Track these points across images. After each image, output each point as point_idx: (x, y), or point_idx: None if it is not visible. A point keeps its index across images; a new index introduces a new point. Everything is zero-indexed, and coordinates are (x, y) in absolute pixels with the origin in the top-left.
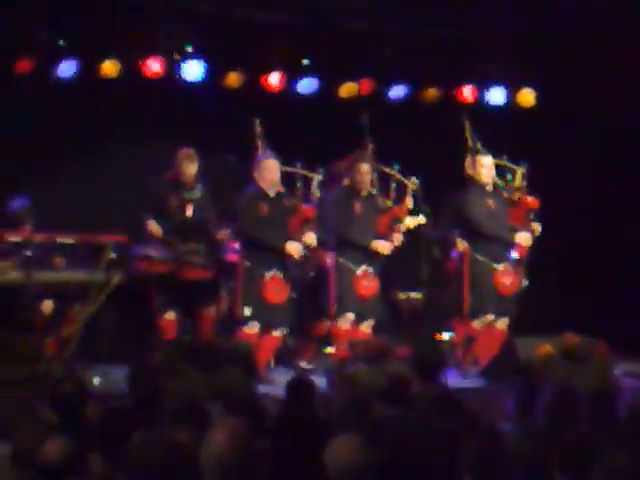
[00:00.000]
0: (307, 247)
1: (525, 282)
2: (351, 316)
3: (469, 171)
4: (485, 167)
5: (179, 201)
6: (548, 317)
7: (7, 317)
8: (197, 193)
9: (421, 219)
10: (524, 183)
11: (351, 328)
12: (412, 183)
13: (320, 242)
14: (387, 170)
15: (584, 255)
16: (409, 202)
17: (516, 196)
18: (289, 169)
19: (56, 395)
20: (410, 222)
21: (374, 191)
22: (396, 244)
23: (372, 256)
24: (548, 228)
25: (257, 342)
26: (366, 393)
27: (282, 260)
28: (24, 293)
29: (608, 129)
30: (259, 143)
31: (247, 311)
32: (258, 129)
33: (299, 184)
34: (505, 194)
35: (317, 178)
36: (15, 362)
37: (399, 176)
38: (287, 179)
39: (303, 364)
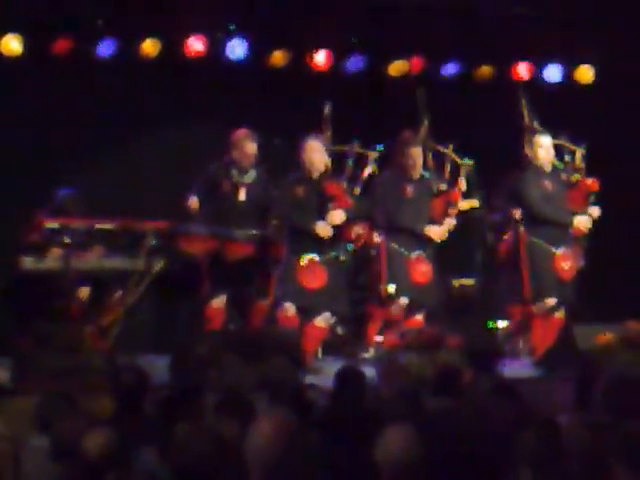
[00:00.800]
0: (335, 226)
1: (582, 262)
2: (405, 301)
3: (526, 152)
4: (543, 147)
5: (231, 185)
6: (609, 305)
7: (46, 305)
8: (251, 176)
9: (475, 202)
10: (583, 164)
11: (404, 315)
12: (466, 164)
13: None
14: (441, 149)
15: None
16: (462, 183)
17: (575, 178)
18: (345, 148)
19: (118, 385)
20: (463, 205)
21: (427, 174)
22: (449, 229)
23: (425, 241)
24: (608, 211)
25: (301, 330)
26: (417, 384)
27: (319, 243)
28: (62, 281)
29: None
30: (326, 126)
31: (279, 292)
32: (326, 112)
33: (350, 163)
34: (564, 176)
35: (373, 155)
36: (54, 352)
37: (453, 156)
38: (341, 159)
39: (363, 353)
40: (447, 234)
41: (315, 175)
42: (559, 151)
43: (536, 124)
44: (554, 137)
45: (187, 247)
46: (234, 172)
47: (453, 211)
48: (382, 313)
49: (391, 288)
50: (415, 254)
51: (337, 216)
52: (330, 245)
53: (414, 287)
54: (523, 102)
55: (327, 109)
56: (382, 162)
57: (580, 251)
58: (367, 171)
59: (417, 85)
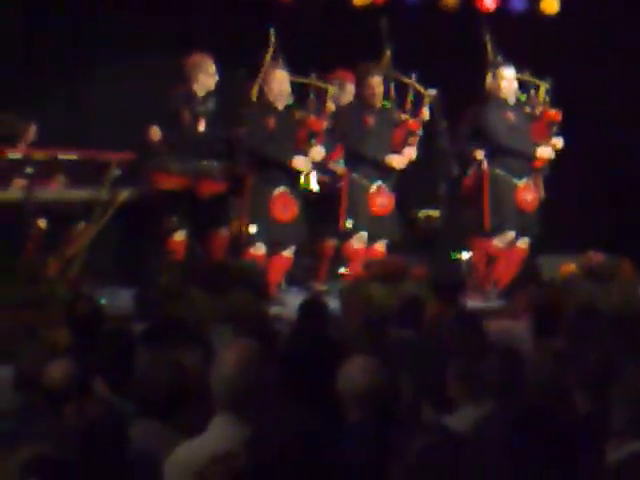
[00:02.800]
0: (314, 162)
1: (543, 194)
2: (364, 235)
3: (489, 84)
4: (506, 80)
5: (191, 115)
6: (572, 235)
7: (6, 237)
8: (210, 106)
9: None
10: (548, 98)
11: (365, 247)
12: (430, 94)
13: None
14: (404, 79)
15: (608, 171)
16: (426, 113)
17: (539, 111)
18: (302, 80)
19: (72, 315)
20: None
21: (388, 104)
22: (410, 158)
23: (386, 171)
24: (571, 142)
25: (267, 262)
26: (380, 314)
27: (290, 176)
28: (24, 212)
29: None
30: (271, 53)
31: (253, 229)
32: (272, 38)
33: (312, 96)
34: (527, 109)
35: (332, 90)
36: (16, 283)
37: (417, 86)
38: (300, 91)
39: (317, 285)
40: (410, 164)
41: (281, 106)
42: (523, 85)
43: (500, 57)
44: (519, 71)
45: (161, 183)
46: (193, 102)
47: (414, 140)
48: (342, 246)
49: (349, 223)
50: (376, 185)
51: (318, 152)
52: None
53: (373, 219)
54: (487, 35)
55: (271, 35)
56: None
57: (541, 183)
58: (330, 106)
59: (381, 13)
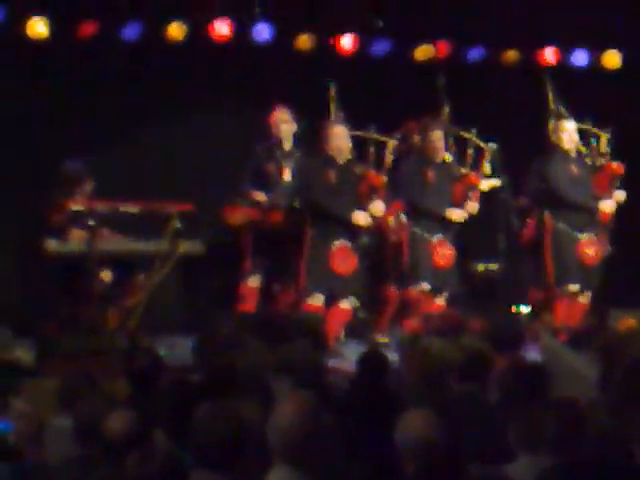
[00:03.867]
0: (374, 217)
1: (609, 248)
2: (426, 286)
3: (551, 136)
4: (567, 132)
5: (276, 166)
6: (634, 290)
7: (70, 288)
8: (294, 157)
9: (496, 182)
10: (609, 149)
11: (426, 299)
12: (490, 148)
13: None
14: (464, 134)
15: None
16: (486, 168)
17: (600, 162)
18: (362, 134)
19: (132, 367)
20: (485, 185)
21: (449, 157)
22: (471, 211)
23: (447, 225)
24: (634, 195)
25: (325, 314)
26: (440, 368)
27: (350, 229)
28: (86, 263)
29: None
30: (332, 108)
31: (311, 281)
32: (332, 93)
33: (372, 149)
34: (589, 160)
35: (392, 143)
36: (78, 333)
37: (476, 140)
38: (360, 145)
39: (378, 336)
40: (471, 217)
41: (341, 160)
42: (584, 136)
43: (561, 109)
44: (579, 121)
45: (230, 217)
46: (278, 153)
47: (475, 194)
48: (403, 297)
49: (413, 273)
50: (437, 237)
51: (379, 207)
52: (359, 231)
53: (436, 271)
54: (548, 86)
55: (331, 90)
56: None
57: (606, 237)
58: (388, 159)
59: (440, 70)
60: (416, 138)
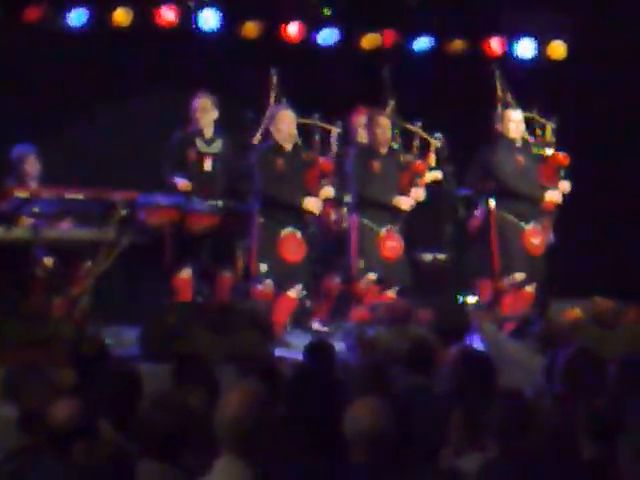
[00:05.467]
0: (325, 201)
1: (552, 238)
2: (373, 277)
3: (497, 126)
4: (514, 122)
5: (197, 154)
6: (578, 280)
7: (13, 276)
8: (217, 147)
9: (437, 174)
10: (554, 138)
11: (373, 291)
12: (436, 140)
13: (338, 199)
14: (409, 127)
15: (616, 214)
16: (432, 159)
17: (545, 152)
18: (307, 121)
19: (77, 356)
20: (427, 177)
21: (395, 146)
22: (417, 198)
23: (395, 214)
24: (578, 185)
25: (273, 302)
26: (387, 358)
27: (299, 217)
28: (30, 251)
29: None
30: (273, 95)
31: (263, 268)
32: (273, 80)
33: (317, 137)
34: (534, 149)
35: (335, 131)
36: (22, 322)
37: (422, 133)
38: (305, 132)
39: (316, 326)
40: (417, 206)
41: (288, 147)
42: (530, 125)
43: (509, 98)
44: (525, 111)
45: (149, 218)
46: (199, 142)
47: (421, 182)
48: (350, 289)
49: (361, 264)
50: (385, 229)
51: (329, 192)
52: (308, 220)
53: (384, 263)
54: (496, 75)
55: (272, 76)
56: (341, 139)
57: (549, 227)
58: (334, 147)
59: (386, 60)
60: (360, 129)
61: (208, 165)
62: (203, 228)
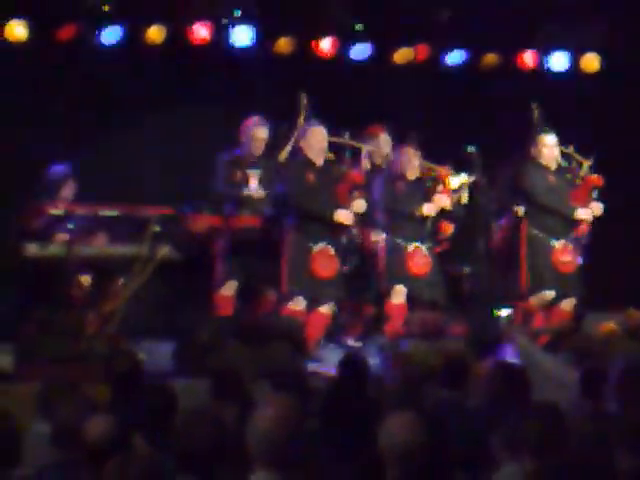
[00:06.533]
0: (357, 215)
1: (580, 260)
2: (403, 290)
3: (532, 149)
4: (547, 147)
5: (242, 175)
6: (612, 293)
7: (48, 293)
8: (262, 165)
9: (465, 178)
10: (590, 174)
11: (405, 304)
12: (365, 147)
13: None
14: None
15: None
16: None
17: (580, 180)
18: (337, 139)
19: (111, 371)
20: (454, 182)
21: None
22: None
23: (425, 233)
24: (612, 207)
25: (305, 318)
26: (420, 373)
27: (332, 231)
28: (65, 267)
29: None
30: (303, 116)
31: (294, 285)
32: (304, 102)
33: (347, 154)
34: (569, 176)
35: (366, 148)
36: (57, 339)
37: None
38: (335, 150)
39: (350, 341)
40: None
41: (319, 162)
42: (567, 159)
43: (545, 126)
44: (563, 145)
45: (192, 226)
46: (245, 162)
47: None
48: (382, 309)
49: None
50: (413, 245)
51: (361, 205)
52: (340, 234)
53: (412, 277)
54: (535, 111)
55: (302, 98)
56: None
57: (580, 249)
58: (364, 164)
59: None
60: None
61: (254, 184)
62: (250, 232)
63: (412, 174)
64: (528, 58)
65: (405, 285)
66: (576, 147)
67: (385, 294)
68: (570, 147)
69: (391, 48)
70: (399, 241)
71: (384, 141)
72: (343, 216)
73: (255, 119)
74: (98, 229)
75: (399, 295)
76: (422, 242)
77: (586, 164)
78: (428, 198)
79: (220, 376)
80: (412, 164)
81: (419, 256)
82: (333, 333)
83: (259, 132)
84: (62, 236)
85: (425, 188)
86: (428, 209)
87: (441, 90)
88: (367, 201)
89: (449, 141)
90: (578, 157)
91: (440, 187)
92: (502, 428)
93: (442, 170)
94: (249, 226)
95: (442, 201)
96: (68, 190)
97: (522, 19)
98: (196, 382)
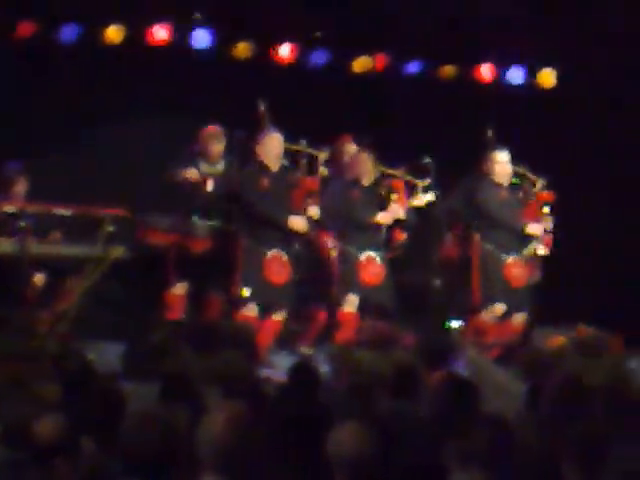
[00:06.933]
0: (311, 221)
1: (538, 276)
2: (355, 299)
3: (484, 166)
4: (500, 163)
5: (200, 176)
6: (565, 310)
7: (1, 290)
8: (219, 168)
9: (432, 196)
10: (542, 193)
11: (357, 313)
12: (427, 164)
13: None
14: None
15: (602, 246)
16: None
17: (531, 199)
18: (294, 147)
19: (61, 371)
20: (420, 201)
21: (370, 180)
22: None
23: (379, 242)
24: (566, 218)
25: (258, 325)
26: (370, 382)
27: (285, 238)
28: (17, 266)
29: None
30: (263, 123)
31: (247, 292)
32: (262, 109)
33: (304, 161)
34: (520, 195)
35: (323, 156)
36: (8, 337)
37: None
38: (292, 158)
39: (304, 349)
40: (407, 232)
41: (274, 168)
42: (519, 178)
43: (496, 145)
44: (516, 165)
45: (149, 239)
46: (202, 163)
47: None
48: (334, 315)
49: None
50: (365, 255)
51: (315, 211)
52: (293, 240)
53: (364, 286)
54: (489, 131)
55: (261, 106)
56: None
57: (539, 265)
58: (320, 171)
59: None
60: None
61: (210, 186)
62: (201, 251)
63: (367, 180)
64: (485, 71)
65: (357, 294)
66: (529, 166)
67: (337, 302)
68: (522, 167)
69: (350, 56)
70: (352, 250)
71: (350, 150)
72: (297, 222)
73: (211, 130)
74: (52, 228)
75: (351, 304)
76: (376, 250)
77: (539, 183)
78: (382, 205)
79: (170, 380)
80: (367, 169)
81: (373, 265)
82: (285, 340)
83: (214, 147)
84: (14, 234)
85: (379, 195)
86: (383, 218)
87: (397, 99)
88: (321, 208)
89: (404, 150)
90: (531, 176)
91: (395, 196)
92: (452, 439)
93: (398, 179)
94: (201, 245)
95: (398, 212)
96: (20, 187)
97: (481, 31)
98: (145, 385)
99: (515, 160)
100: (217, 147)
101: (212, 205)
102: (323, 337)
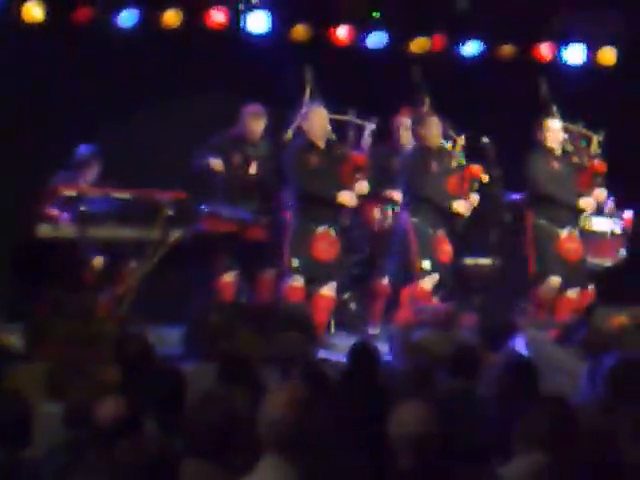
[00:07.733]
0: (360, 196)
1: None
2: (435, 277)
3: (537, 134)
4: (552, 131)
5: (242, 158)
6: (624, 286)
7: (60, 274)
8: (262, 150)
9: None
10: (599, 151)
11: (424, 296)
12: (369, 125)
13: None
14: (342, 117)
15: None
16: (368, 141)
17: (586, 161)
18: (341, 117)
19: (121, 354)
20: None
21: (446, 145)
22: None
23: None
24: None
25: (309, 302)
26: (430, 361)
27: (335, 214)
28: (77, 249)
29: None
30: (307, 92)
31: (295, 263)
32: (308, 76)
33: (351, 133)
34: (575, 159)
35: (370, 127)
36: (67, 320)
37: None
38: (339, 129)
39: (370, 329)
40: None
41: (321, 144)
42: (575, 137)
43: (551, 107)
44: (572, 122)
45: (208, 227)
46: (245, 145)
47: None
48: (400, 293)
49: (425, 264)
50: (439, 232)
51: (364, 186)
52: (341, 216)
53: (442, 265)
54: (542, 84)
55: (307, 72)
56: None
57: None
58: (367, 143)
59: (426, 63)
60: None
61: (253, 168)
62: (255, 238)
63: (437, 142)
64: (545, 50)
65: (437, 272)
66: (585, 124)
67: (417, 277)
68: (579, 124)
69: (408, 37)
70: (423, 225)
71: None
72: (346, 197)
73: (252, 108)
74: (111, 212)
75: (429, 282)
76: (445, 228)
77: (596, 139)
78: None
79: (229, 361)
80: (438, 132)
81: (444, 244)
82: (347, 321)
83: (254, 124)
84: (74, 218)
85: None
86: (462, 208)
87: (455, 80)
88: (371, 182)
89: (461, 131)
90: (587, 132)
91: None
92: (514, 419)
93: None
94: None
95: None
96: (93, 170)
97: (539, 11)
98: (205, 366)
99: (571, 119)
100: (258, 126)
101: (256, 187)
102: (388, 316)
